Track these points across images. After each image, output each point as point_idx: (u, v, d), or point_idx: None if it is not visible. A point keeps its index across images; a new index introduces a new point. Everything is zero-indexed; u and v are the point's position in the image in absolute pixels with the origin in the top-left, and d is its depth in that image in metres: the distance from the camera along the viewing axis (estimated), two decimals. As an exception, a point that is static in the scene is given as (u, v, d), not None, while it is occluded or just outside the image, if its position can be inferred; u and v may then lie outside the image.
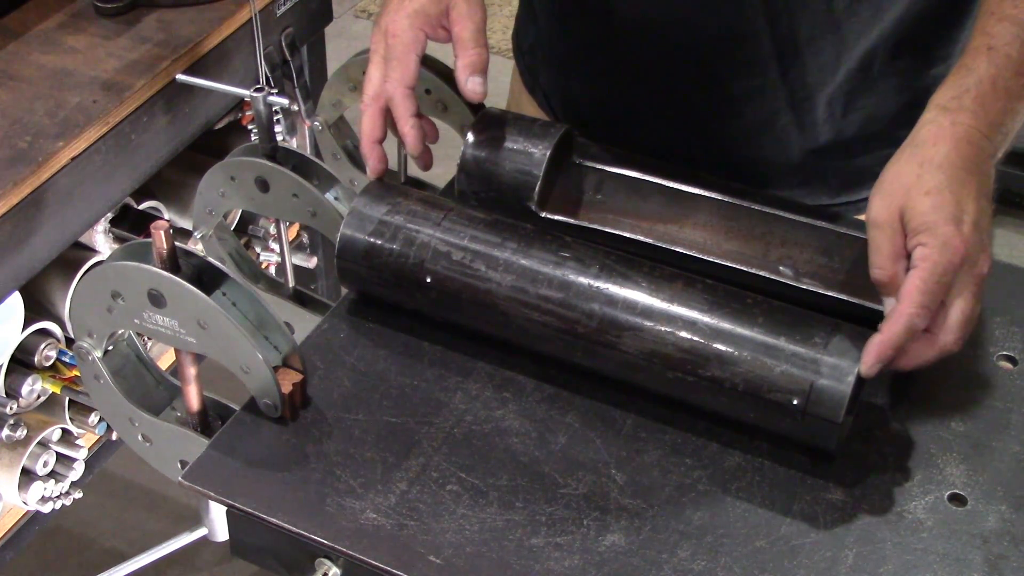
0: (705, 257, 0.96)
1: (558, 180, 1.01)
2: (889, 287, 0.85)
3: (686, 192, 1.01)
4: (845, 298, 0.93)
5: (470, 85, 0.96)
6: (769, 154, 1.09)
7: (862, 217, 0.90)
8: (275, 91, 1.01)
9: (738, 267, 0.95)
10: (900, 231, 0.85)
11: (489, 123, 1.01)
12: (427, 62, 1.15)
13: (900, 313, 0.83)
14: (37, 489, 1.37)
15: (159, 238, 0.83)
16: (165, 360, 1.51)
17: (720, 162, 1.09)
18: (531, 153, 0.99)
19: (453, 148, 1.03)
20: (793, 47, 1.01)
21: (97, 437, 1.46)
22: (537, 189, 0.98)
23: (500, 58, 3.26)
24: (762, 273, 0.95)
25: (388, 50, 0.96)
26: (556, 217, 0.99)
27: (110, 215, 1.41)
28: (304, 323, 1.08)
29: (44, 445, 1.38)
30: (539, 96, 1.21)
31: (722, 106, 1.07)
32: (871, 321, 0.89)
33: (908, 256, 0.84)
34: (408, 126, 0.97)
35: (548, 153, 0.98)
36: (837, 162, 1.09)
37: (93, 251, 1.41)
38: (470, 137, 1.00)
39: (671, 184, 1.01)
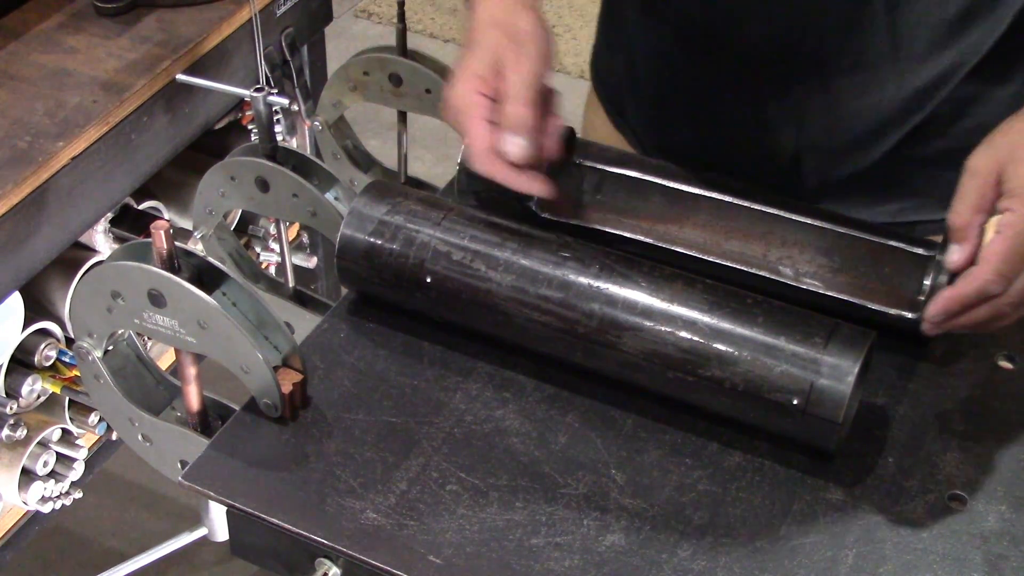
0: (705, 257, 0.96)
1: (558, 180, 1.01)
2: (958, 234, 0.84)
3: (686, 192, 1.01)
4: (845, 298, 0.93)
5: (506, 146, 0.87)
6: (878, 169, 1.07)
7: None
8: (275, 91, 1.01)
9: (738, 267, 0.95)
10: (993, 186, 0.83)
11: None
12: (426, 61, 1.16)
13: (976, 276, 0.82)
14: (37, 489, 1.37)
15: (159, 238, 0.83)
16: (165, 360, 1.51)
17: (826, 183, 1.08)
18: None
19: (453, 148, 1.03)
20: (913, 64, 0.99)
21: (97, 437, 1.46)
22: None
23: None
24: (762, 273, 0.95)
25: (459, 126, 0.90)
26: (556, 218, 0.99)
27: (110, 215, 1.41)
28: (304, 323, 1.08)
29: (44, 445, 1.38)
30: (628, 134, 1.19)
31: (839, 124, 1.05)
32: (871, 321, 0.90)
33: (991, 212, 0.83)
34: (524, 182, 0.90)
35: None
36: (949, 173, 1.08)
37: (93, 251, 1.41)
38: None
39: (671, 184, 1.01)
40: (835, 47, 1.00)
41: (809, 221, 0.98)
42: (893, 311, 0.92)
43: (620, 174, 1.03)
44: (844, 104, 1.03)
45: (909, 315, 0.92)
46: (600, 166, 1.03)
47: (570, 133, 1.02)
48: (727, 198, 1.00)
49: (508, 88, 0.87)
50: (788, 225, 0.99)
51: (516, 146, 0.87)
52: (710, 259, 0.96)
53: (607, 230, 0.99)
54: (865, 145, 1.06)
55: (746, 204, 0.99)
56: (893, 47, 0.98)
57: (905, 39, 0.98)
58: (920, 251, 0.95)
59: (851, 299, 0.93)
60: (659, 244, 0.98)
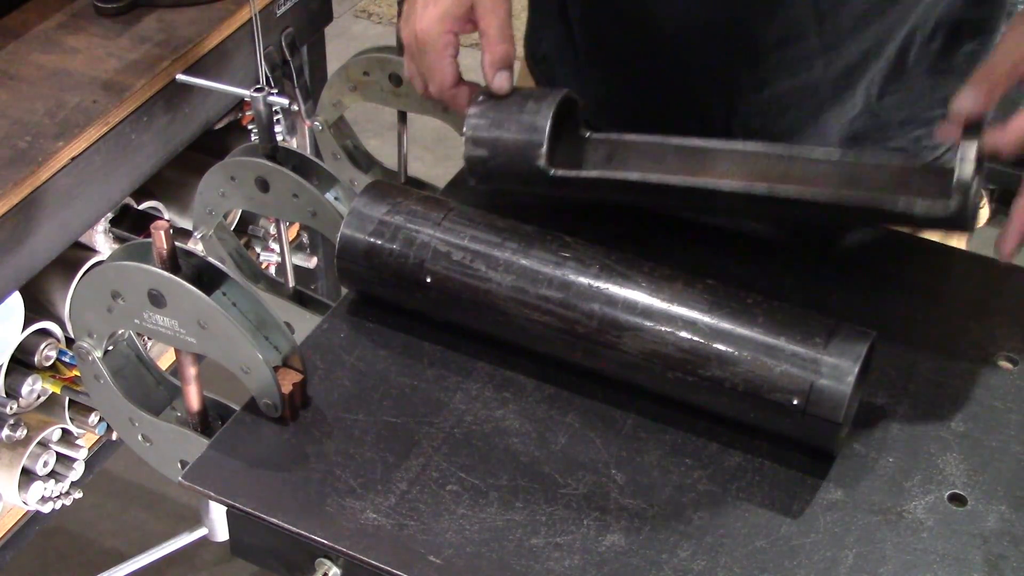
0: (726, 188, 0.95)
1: (568, 151, 1.00)
2: (981, 90, 0.87)
3: (702, 147, 0.99)
4: (867, 203, 0.93)
5: (497, 81, 0.98)
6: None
7: None
8: (275, 91, 1.01)
9: (763, 192, 0.94)
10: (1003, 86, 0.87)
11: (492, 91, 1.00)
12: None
13: None
14: (37, 489, 1.38)
15: (159, 238, 0.83)
16: (165, 360, 1.51)
17: None
18: (536, 111, 0.98)
19: (453, 148, 1.03)
20: (839, 39, 1.01)
21: (97, 437, 1.46)
22: (544, 147, 0.97)
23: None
24: (789, 187, 0.94)
25: (422, 56, 0.99)
26: (568, 173, 0.98)
27: (110, 215, 1.41)
28: (304, 323, 1.08)
29: (44, 445, 1.38)
30: None
31: (769, 105, 1.07)
32: (890, 216, 0.91)
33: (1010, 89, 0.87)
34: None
35: (552, 109, 0.97)
36: (874, 146, 1.09)
37: (93, 251, 1.41)
38: (474, 106, 0.99)
39: (684, 142, 1.00)
40: (761, 22, 1.01)
41: (827, 159, 0.97)
42: (926, 202, 0.91)
43: (631, 141, 1.01)
44: (774, 83, 1.05)
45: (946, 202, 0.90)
46: (612, 136, 1.02)
47: (572, 96, 1.00)
48: (748, 147, 0.99)
49: (489, 30, 0.98)
50: (808, 164, 0.97)
51: (506, 79, 0.99)
52: (732, 189, 0.95)
53: (621, 177, 0.98)
54: (798, 125, 1.07)
55: (764, 151, 0.98)
56: (818, 21, 1.00)
57: (830, 14, 1.00)
58: (947, 168, 0.93)
59: (872, 204, 0.93)
60: (679, 184, 0.97)
